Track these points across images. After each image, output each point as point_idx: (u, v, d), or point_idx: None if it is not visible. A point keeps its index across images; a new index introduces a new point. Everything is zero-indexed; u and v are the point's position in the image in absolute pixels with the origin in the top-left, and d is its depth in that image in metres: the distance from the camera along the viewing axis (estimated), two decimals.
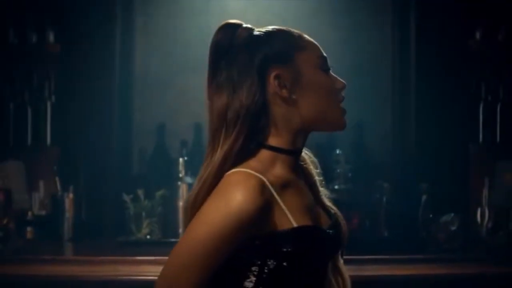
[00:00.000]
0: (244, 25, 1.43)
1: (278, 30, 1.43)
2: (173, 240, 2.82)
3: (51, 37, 3.32)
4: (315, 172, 1.50)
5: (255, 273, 1.33)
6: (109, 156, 3.31)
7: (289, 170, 1.40)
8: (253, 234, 1.32)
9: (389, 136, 3.53)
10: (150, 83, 3.54)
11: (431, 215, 2.89)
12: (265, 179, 1.32)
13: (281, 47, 1.40)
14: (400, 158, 3.47)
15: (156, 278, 1.36)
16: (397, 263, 2.59)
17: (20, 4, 3.33)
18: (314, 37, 1.45)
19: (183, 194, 3.04)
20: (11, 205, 3.00)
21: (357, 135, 3.43)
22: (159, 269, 1.36)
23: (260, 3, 3.50)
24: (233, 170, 1.34)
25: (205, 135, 1.42)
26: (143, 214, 3.03)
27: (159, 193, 3.06)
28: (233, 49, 1.39)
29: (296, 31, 1.44)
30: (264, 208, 1.31)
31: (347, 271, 1.48)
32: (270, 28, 1.44)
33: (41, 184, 3.25)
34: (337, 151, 3.20)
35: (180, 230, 2.90)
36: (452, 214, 2.80)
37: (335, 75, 1.44)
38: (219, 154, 1.36)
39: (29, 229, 3.11)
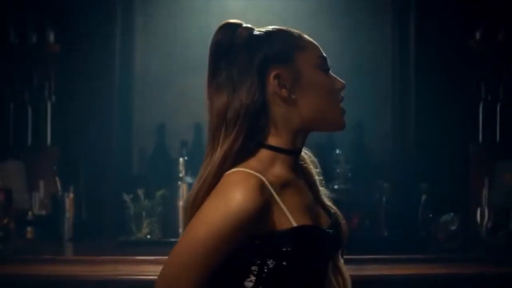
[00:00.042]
0: (244, 25, 1.43)
1: (278, 30, 1.43)
2: (173, 240, 2.82)
3: (51, 37, 3.32)
4: (315, 172, 1.50)
5: (255, 272, 1.34)
6: (109, 156, 3.31)
7: (288, 169, 1.40)
8: (253, 233, 1.32)
9: (389, 136, 3.53)
10: (150, 83, 3.55)
11: (431, 215, 2.89)
12: (264, 179, 1.33)
13: (281, 47, 1.40)
14: (400, 158, 3.47)
15: (156, 277, 1.36)
16: (397, 263, 2.59)
17: (20, 4, 3.33)
18: (314, 37, 1.45)
19: (183, 194, 3.04)
20: (11, 205, 3.00)
21: (357, 135, 3.44)
22: (159, 268, 1.36)
23: (260, 3, 3.50)
24: (233, 169, 1.34)
25: (205, 135, 1.42)
26: (143, 214, 3.03)
27: (159, 193, 3.07)
28: (233, 49, 1.40)
29: (296, 31, 1.44)
30: (263, 208, 1.31)
31: (347, 271, 1.48)
32: (270, 28, 1.44)
33: (41, 184, 3.25)
34: (337, 151, 3.20)
35: (180, 230, 2.90)
36: (452, 214, 2.80)
37: (334, 75, 1.44)
38: (218, 154, 1.36)
39: (29, 229, 3.11)
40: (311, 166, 1.50)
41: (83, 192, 3.24)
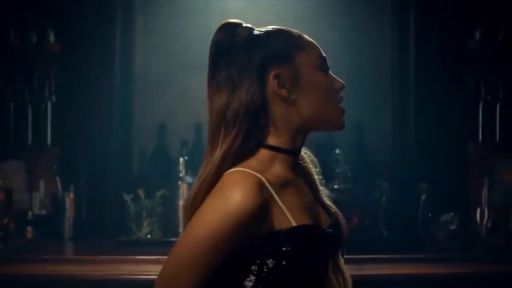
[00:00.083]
0: (244, 25, 1.43)
1: (278, 30, 1.43)
2: (173, 239, 2.82)
3: (52, 37, 3.32)
4: (315, 171, 1.50)
5: (255, 272, 1.34)
6: (109, 156, 3.32)
7: (288, 169, 1.40)
8: (252, 233, 1.32)
9: (389, 136, 3.53)
10: (150, 83, 3.55)
11: (430, 215, 2.89)
12: (263, 179, 1.33)
13: (280, 47, 1.40)
14: (400, 158, 3.47)
15: (156, 277, 1.37)
16: (397, 263, 2.60)
17: (21, 4, 3.33)
18: (314, 37, 1.46)
19: (183, 193, 3.04)
20: (11, 205, 3.00)
21: (357, 135, 3.44)
22: (159, 268, 1.36)
23: (260, 3, 3.51)
24: (232, 169, 1.34)
25: (205, 135, 1.43)
26: (144, 213, 3.03)
27: (159, 193, 3.07)
28: (233, 48, 1.40)
29: (296, 31, 1.44)
30: (262, 207, 1.31)
31: (348, 270, 1.48)
32: (270, 28, 1.44)
33: (42, 183, 3.25)
34: (337, 151, 3.20)
35: (181, 230, 2.90)
36: (452, 214, 2.80)
37: (334, 76, 1.45)
38: (218, 153, 1.37)
39: (29, 228, 3.11)
40: (310, 166, 1.50)
41: (83, 191, 3.24)
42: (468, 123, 3.32)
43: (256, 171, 1.33)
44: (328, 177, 1.71)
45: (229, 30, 1.42)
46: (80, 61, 3.29)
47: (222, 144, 1.37)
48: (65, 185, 3.18)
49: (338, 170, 3.13)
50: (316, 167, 1.51)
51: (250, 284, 1.34)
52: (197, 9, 3.53)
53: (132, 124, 3.53)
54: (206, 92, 1.42)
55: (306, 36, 1.45)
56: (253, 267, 1.34)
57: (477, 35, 3.32)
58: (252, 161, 1.37)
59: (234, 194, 1.30)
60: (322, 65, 1.43)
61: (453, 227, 2.78)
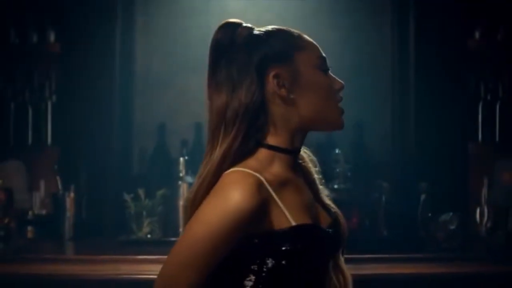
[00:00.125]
0: (244, 24, 1.44)
1: (278, 30, 1.44)
2: (173, 239, 2.82)
3: (52, 37, 3.33)
4: (314, 171, 1.50)
5: (255, 271, 1.34)
6: (109, 156, 3.32)
7: (287, 168, 1.41)
8: (252, 232, 1.32)
9: (389, 136, 3.53)
10: (151, 83, 3.55)
11: (430, 214, 2.90)
12: (262, 178, 1.33)
13: (280, 47, 1.40)
14: (400, 157, 3.47)
15: (156, 277, 1.37)
16: (396, 262, 2.60)
17: (21, 4, 3.34)
18: (314, 37, 1.46)
19: (183, 193, 3.05)
20: (12, 204, 3.01)
21: (356, 135, 3.44)
22: (159, 268, 1.36)
23: (260, 3, 3.51)
24: (231, 169, 1.34)
25: (205, 135, 1.43)
26: (144, 213, 3.03)
27: (159, 193, 3.07)
28: (233, 48, 1.40)
29: (295, 31, 1.45)
30: (261, 207, 1.31)
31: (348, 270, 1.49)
32: (270, 27, 1.44)
33: (42, 183, 3.26)
34: (337, 151, 3.20)
35: (181, 229, 2.91)
36: (451, 213, 2.81)
37: (333, 76, 1.45)
38: (218, 153, 1.37)
39: (29, 228, 3.12)
40: (310, 165, 1.50)
41: (83, 191, 3.24)
42: (468, 123, 3.33)
43: (255, 170, 1.34)
44: (328, 177, 1.71)
45: (229, 30, 1.42)
46: (80, 61, 3.29)
47: (221, 144, 1.37)
48: (66, 185, 3.18)
49: (338, 170, 3.14)
50: (315, 167, 1.51)
51: (250, 283, 1.34)
52: (197, 9, 3.54)
53: (132, 124, 3.54)
54: (206, 91, 1.42)
55: (306, 36, 1.45)
56: (253, 267, 1.34)
57: (477, 35, 3.33)
58: (251, 161, 1.37)
59: (233, 194, 1.30)
60: (321, 65, 1.43)
61: (452, 227, 2.78)
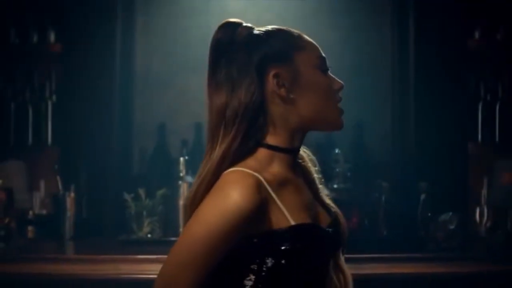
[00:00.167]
0: (244, 24, 1.44)
1: (278, 30, 1.44)
2: (174, 239, 2.82)
3: (52, 37, 3.33)
4: (314, 170, 1.50)
5: (254, 271, 1.34)
6: (110, 156, 3.32)
7: (287, 168, 1.41)
8: (251, 232, 1.32)
9: (389, 136, 3.54)
10: (151, 83, 3.56)
11: (429, 214, 2.90)
12: (261, 178, 1.33)
13: (280, 47, 1.40)
14: (399, 157, 3.48)
15: (156, 276, 1.37)
16: (396, 262, 2.60)
17: (21, 4, 3.34)
18: (314, 37, 1.46)
19: (183, 193, 3.05)
20: (12, 204, 3.01)
21: (356, 134, 3.44)
22: (160, 267, 1.37)
23: (260, 3, 3.51)
24: (231, 169, 1.34)
25: (205, 135, 1.43)
26: (144, 213, 3.04)
27: (160, 192, 3.08)
28: (233, 47, 1.40)
29: (295, 31, 1.45)
30: (260, 207, 1.31)
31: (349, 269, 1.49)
32: (270, 27, 1.44)
33: (42, 183, 3.26)
34: (336, 151, 3.21)
35: (181, 229, 2.91)
36: (451, 213, 2.81)
37: (333, 76, 1.45)
38: (217, 152, 1.37)
39: (30, 228, 3.12)
40: (309, 165, 1.50)
41: (84, 191, 3.25)
42: (467, 122, 3.33)
43: (255, 170, 1.34)
44: (327, 177, 1.71)
45: (229, 29, 1.42)
46: (80, 61, 3.29)
47: (221, 143, 1.37)
48: (66, 184, 3.19)
49: (337, 170, 3.14)
50: (315, 166, 1.51)
51: (250, 283, 1.34)
52: (197, 9, 3.54)
53: (132, 124, 3.54)
54: (206, 91, 1.43)
55: (305, 36, 1.45)
56: (252, 266, 1.34)
57: (477, 35, 3.33)
58: (250, 161, 1.37)
59: (232, 194, 1.30)
60: (321, 65, 1.43)
61: (452, 227, 2.78)
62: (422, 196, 2.96)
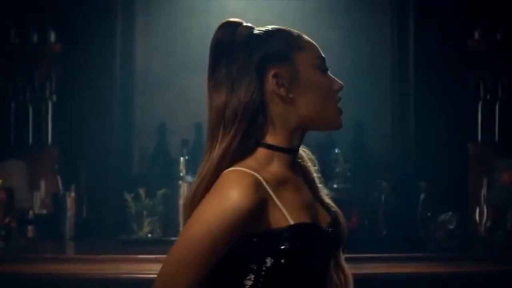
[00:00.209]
0: (245, 24, 1.44)
1: (278, 30, 1.44)
2: (174, 238, 2.79)
3: (52, 37, 3.33)
4: (313, 169, 1.50)
5: (254, 270, 1.34)
6: (110, 156, 3.32)
7: (286, 167, 1.41)
8: (250, 232, 1.33)
9: (389, 136, 3.54)
10: (151, 82, 3.56)
11: (429, 214, 2.90)
12: (260, 177, 1.33)
13: (280, 47, 1.41)
14: (399, 157, 3.48)
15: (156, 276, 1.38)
16: (396, 262, 2.60)
17: (21, 4, 3.34)
18: (314, 37, 1.46)
19: (184, 193, 3.05)
20: (13, 204, 3.01)
21: (356, 134, 3.45)
22: (160, 267, 1.37)
23: (260, 3, 3.51)
24: (230, 168, 1.35)
25: (205, 134, 1.44)
26: (144, 213, 3.04)
27: (160, 192, 3.08)
28: (233, 47, 1.40)
29: (295, 31, 1.45)
30: (259, 206, 1.32)
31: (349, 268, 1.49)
32: (270, 27, 1.44)
33: (42, 183, 3.26)
34: (336, 151, 3.21)
35: (181, 229, 2.91)
36: (450, 213, 2.81)
37: (332, 76, 1.45)
38: (217, 151, 1.37)
39: (30, 228, 3.12)
40: (309, 164, 1.50)
41: (84, 191, 3.25)
42: (467, 122, 3.33)
43: (254, 170, 1.34)
44: (327, 177, 1.72)
45: (229, 29, 1.42)
46: (80, 61, 3.29)
47: (221, 143, 1.38)
48: (66, 184, 3.19)
49: (337, 170, 3.15)
50: (314, 166, 1.51)
51: (249, 282, 1.34)
52: (197, 9, 3.54)
53: (132, 124, 3.54)
54: (206, 91, 1.43)
55: (305, 36, 1.45)
56: (252, 266, 1.34)
57: (477, 35, 3.33)
58: (250, 160, 1.37)
59: (230, 193, 1.30)
60: (321, 65, 1.43)
61: (451, 227, 2.78)
62: (422, 196, 2.96)
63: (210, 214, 1.31)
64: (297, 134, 1.43)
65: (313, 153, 1.52)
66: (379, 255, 2.64)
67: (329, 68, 1.45)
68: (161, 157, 3.40)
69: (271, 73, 1.39)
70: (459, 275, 2.57)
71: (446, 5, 3.31)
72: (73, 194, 3.15)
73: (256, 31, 1.43)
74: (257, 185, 1.32)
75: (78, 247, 3.02)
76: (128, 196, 3.05)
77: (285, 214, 1.34)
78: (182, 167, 3.12)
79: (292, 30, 1.45)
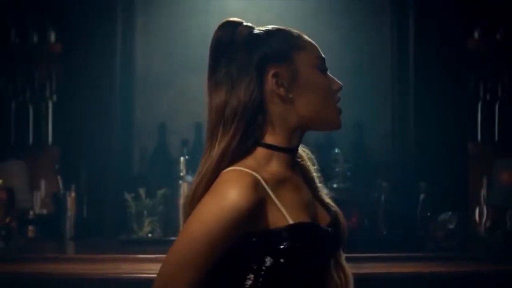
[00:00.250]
0: (245, 23, 1.44)
1: (278, 30, 1.44)
2: (174, 238, 2.79)
3: (52, 37, 3.34)
4: (313, 169, 1.50)
5: (254, 270, 1.34)
6: (110, 155, 3.32)
7: (285, 167, 1.41)
8: (250, 231, 1.33)
9: (389, 136, 3.54)
10: (151, 82, 3.56)
11: (429, 214, 2.90)
12: (259, 177, 1.33)
13: (280, 46, 1.41)
14: (399, 157, 3.48)
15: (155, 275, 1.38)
16: (396, 261, 2.60)
17: (21, 4, 3.34)
18: (314, 37, 1.46)
19: (184, 192, 3.05)
20: (13, 204, 3.01)
21: (356, 134, 3.45)
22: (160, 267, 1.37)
23: (260, 3, 3.52)
24: (229, 168, 1.35)
25: (205, 133, 1.44)
26: (145, 212, 3.04)
27: (160, 192, 3.08)
28: (233, 46, 1.41)
29: (295, 31, 1.45)
30: (258, 206, 1.32)
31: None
32: (270, 27, 1.45)
33: (43, 183, 3.26)
34: (336, 150, 3.21)
35: (181, 228, 2.91)
36: (450, 213, 2.81)
37: (332, 76, 1.46)
38: (217, 150, 1.37)
39: (30, 227, 3.12)
40: (309, 163, 1.50)
41: (84, 191, 3.25)
42: (467, 122, 3.33)
43: (253, 169, 1.34)
44: (327, 177, 1.72)
45: (229, 29, 1.43)
46: (80, 61, 3.30)
47: (220, 142, 1.38)
48: (66, 184, 3.19)
49: (337, 170, 3.15)
50: (314, 165, 1.51)
51: (249, 282, 1.34)
52: (197, 9, 3.54)
53: (132, 124, 3.54)
54: (206, 90, 1.43)
55: (305, 36, 1.45)
56: (252, 265, 1.34)
57: (476, 35, 3.33)
58: (249, 160, 1.38)
59: (229, 193, 1.31)
60: (320, 65, 1.44)
61: (451, 226, 2.78)
62: (422, 196, 2.96)
63: (209, 213, 1.31)
64: (297, 134, 1.43)
65: (312, 152, 1.52)
66: (379, 255, 2.64)
67: (328, 68, 1.45)
68: (161, 157, 3.40)
69: (271, 72, 1.39)
70: (459, 275, 2.57)
71: (446, 5, 3.31)
72: (73, 194, 3.15)
73: (256, 31, 1.43)
74: (256, 185, 1.32)
75: (78, 247, 3.02)
76: (128, 196, 3.05)
77: (284, 213, 1.34)
78: (182, 167, 3.12)
79: (292, 30, 1.45)
